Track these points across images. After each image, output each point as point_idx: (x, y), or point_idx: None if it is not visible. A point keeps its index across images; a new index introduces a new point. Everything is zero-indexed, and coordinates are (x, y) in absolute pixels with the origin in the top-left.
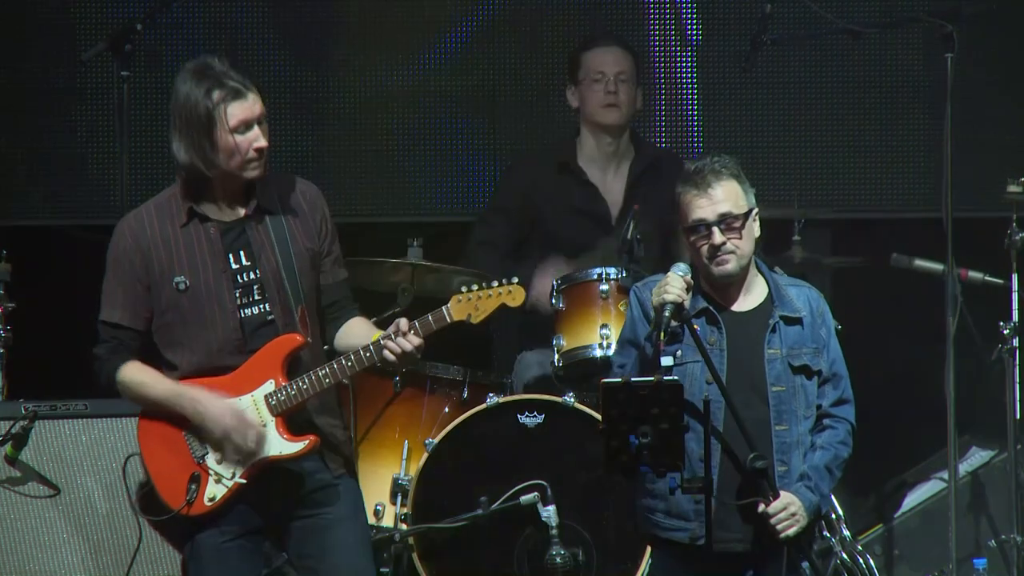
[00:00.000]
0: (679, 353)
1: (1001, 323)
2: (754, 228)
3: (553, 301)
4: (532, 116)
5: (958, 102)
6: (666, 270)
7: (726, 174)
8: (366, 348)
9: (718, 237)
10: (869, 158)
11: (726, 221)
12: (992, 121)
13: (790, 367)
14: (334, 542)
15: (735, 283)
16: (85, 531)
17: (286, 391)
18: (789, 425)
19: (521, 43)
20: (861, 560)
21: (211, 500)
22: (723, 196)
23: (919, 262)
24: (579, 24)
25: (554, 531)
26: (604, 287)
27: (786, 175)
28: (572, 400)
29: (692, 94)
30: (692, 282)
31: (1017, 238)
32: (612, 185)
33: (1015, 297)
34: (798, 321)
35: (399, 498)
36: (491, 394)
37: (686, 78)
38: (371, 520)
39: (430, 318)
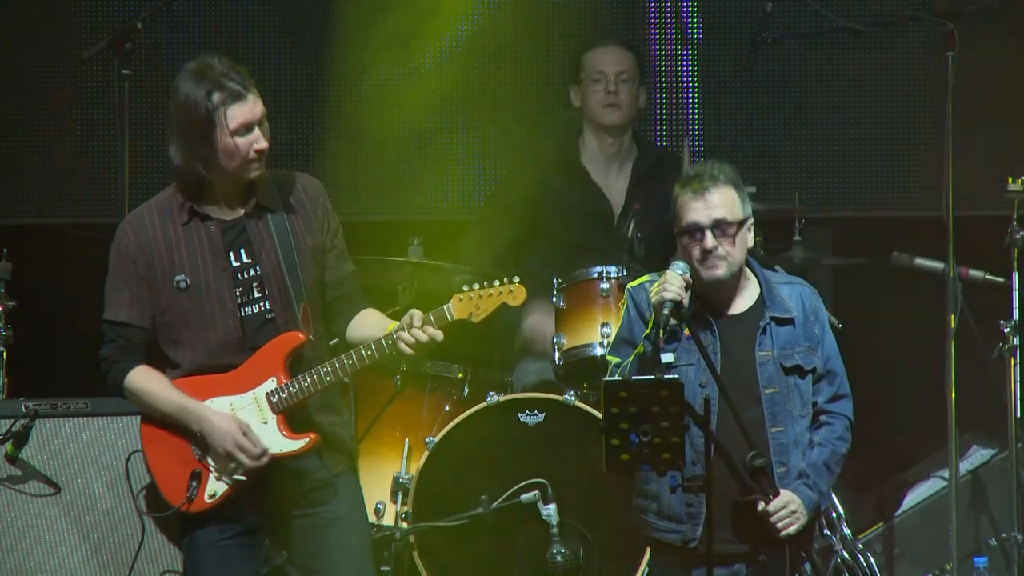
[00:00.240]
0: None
1: (1002, 321)
2: (748, 237)
3: (554, 300)
4: (533, 115)
5: (959, 100)
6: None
7: (724, 180)
8: (378, 341)
9: (710, 241)
10: (870, 157)
11: (720, 226)
12: (993, 119)
13: (782, 368)
14: (334, 540)
15: (727, 286)
16: (86, 530)
17: (287, 389)
18: (784, 426)
19: (522, 42)
20: (862, 558)
21: (211, 497)
22: (719, 201)
23: (919, 260)
24: (580, 23)
25: (555, 529)
26: (605, 286)
27: (787, 174)
28: (573, 399)
29: (692, 93)
30: (691, 280)
31: (1017, 236)
32: (614, 185)
33: (1015, 295)
34: (789, 321)
35: (400, 496)
36: (492, 392)
37: (686, 77)
38: (372, 518)
39: (431, 317)
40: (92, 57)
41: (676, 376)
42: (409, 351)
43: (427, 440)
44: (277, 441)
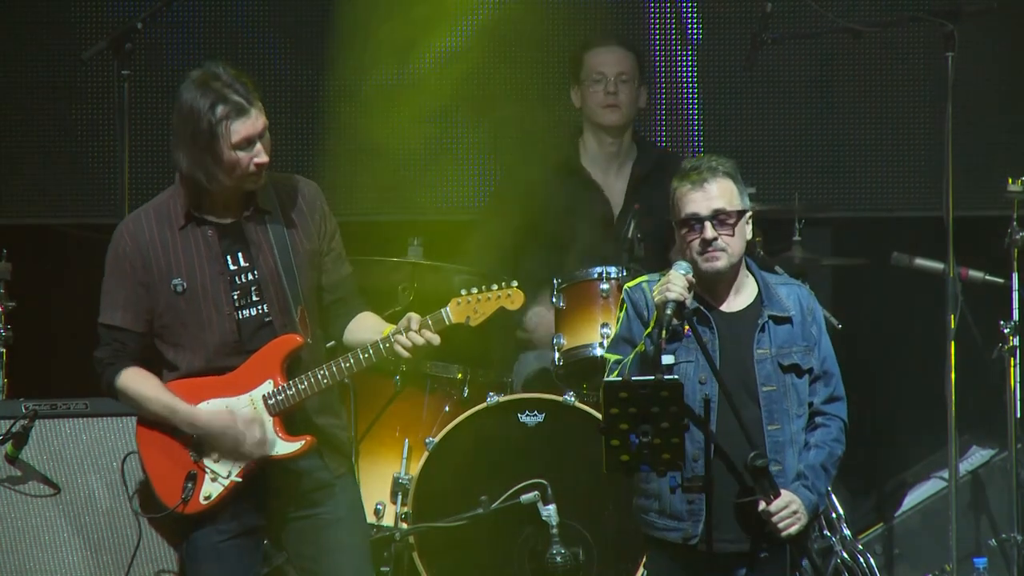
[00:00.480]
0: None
1: (1001, 322)
2: (746, 230)
3: (554, 300)
4: (533, 115)
5: (959, 101)
6: (665, 268)
7: (722, 172)
8: (375, 344)
9: (710, 232)
10: (869, 157)
11: (719, 217)
12: (992, 120)
13: (780, 366)
14: (332, 542)
15: (725, 283)
16: (85, 530)
17: (284, 391)
18: (782, 424)
19: (522, 43)
20: (861, 559)
21: (207, 499)
22: (718, 192)
23: (919, 261)
24: (580, 23)
25: (554, 530)
26: (605, 286)
27: (786, 174)
28: (572, 399)
29: (692, 93)
30: (694, 280)
31: (1017, 237)
32: (614, 185)
33: (1015, 296)
34: (787, 320)
35: (399, 497)
36: (491, 393)
37: (686, 77)
38: (371, 519)
39: (429, 321)
40: (92, 57)
41: (676, 377)
42: (406, 354)
43: (427, 441)
44: (274, 443)
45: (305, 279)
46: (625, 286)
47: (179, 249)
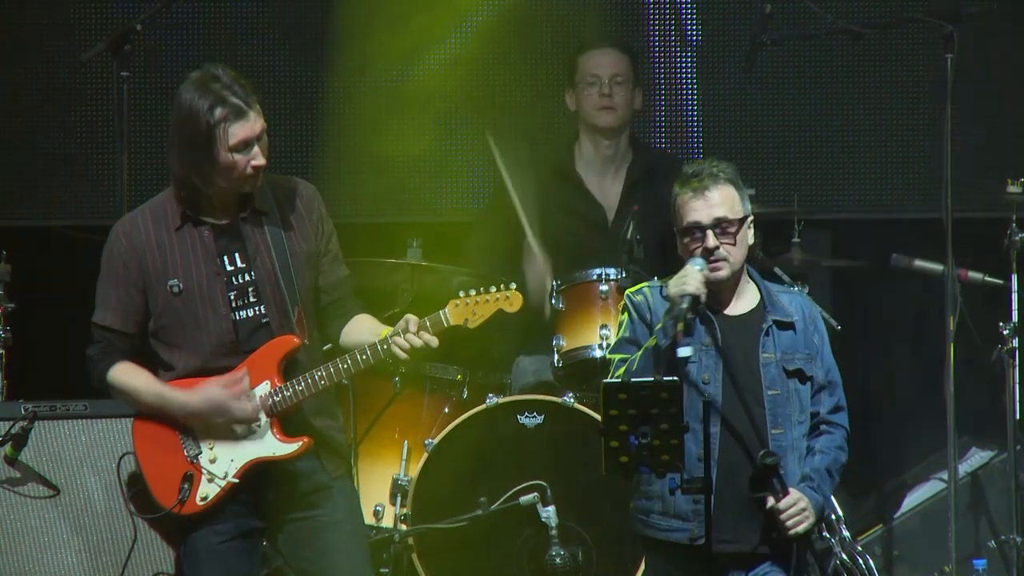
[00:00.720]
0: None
1: (1001, 324)
2: (748, 235)
3: (553, 302)
4: (532, 117)
5: (958, 102)
6: (665, 270)
7: (723, 178)
8: (372, 345)
9: (712, 241)
10: (869, 158)
11: (721, 225)
12: (992, 121)
13: (784, 371)
14: (330, 544)
15: (727, 287)
16: (84, 532)
17: (282, 392)
18: (784, 429)
19: (521, 44)
20: (861, 561)
21: (203, 500)
22: (719, 200)
23: (919, 262)
24: (579, 25)
25: (553, 531)
26: (604, 288)
27: (786, 175)
28: (572, 401)
29: (692, 94)
30: (709, 276)
31: (1017, 238)
32: (609, 188)
33: (1015, 298)
34: (791, 326)
35: (399, 498)
36: (491, 395)
37: (686, 78)
38: (371, 520)
39: (427, 323)
40: (91, 59)
41: (675, 378)
42: (404, 356)
43: (426, 442)
44: (271, 444)
45: (302, 280)
46: (627, 291)
47: (175, 250)
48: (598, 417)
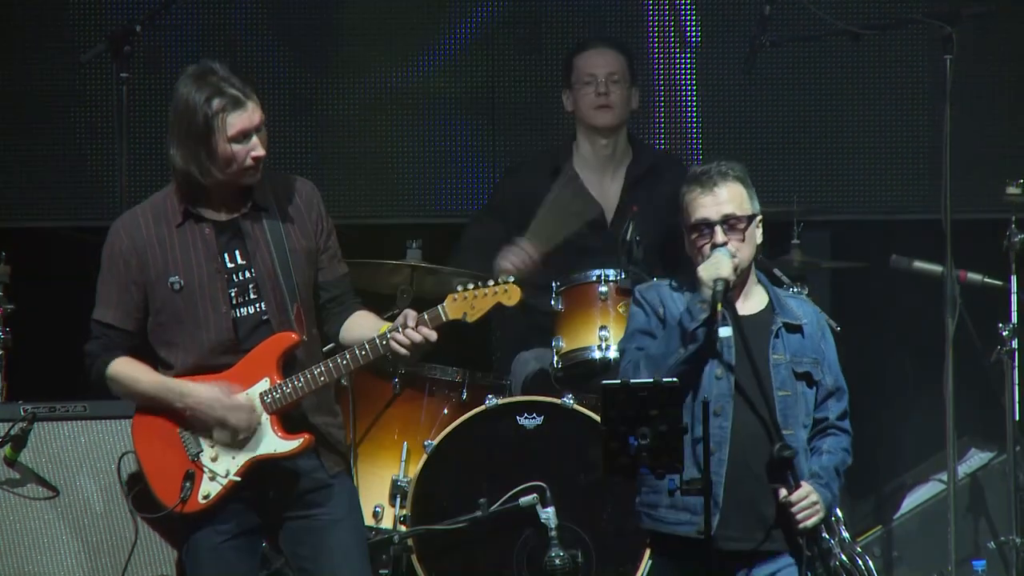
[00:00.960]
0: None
1: (1000, 325)
2: (756, 234)
3: (552, 302)
4: (531, 118)
5: (957, 104)
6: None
7: (732, 176)
8: (372, 341)
9: (720, 237)
10: (868, 160)
11: (729, 222)
12: (991, 123)
13: (794, 373)
14: (330, 543)
15: (735, 286)
16: (84, 533)
17: (281, 389)
18: (794, 430)
19: (520, 46)
20: (860, 562)
21: (205, 498)
22: (728, 197)
23: (918, 264)
24: (578, 26)
25: (553, 533)
26: (603, 289)
27: (785, 177)
28: (571, 402)
29: (691, 96)
30: (738, 266)
31: (1016, 240)
32: (608, 188)
33: (1014, 299)
34: (799, 329)
35: (398, 499)
36: (490, 396)
37: (685, 80)
38: (370, 521)
39: (426, 317)
40: (90, 60)
41: (675, 380)
42: (404, 352)
43: (425, 443)
44: (271, 441)
45: (302, 277)
46: (638, 286)
47: (176, 246)
48: (598, 418)
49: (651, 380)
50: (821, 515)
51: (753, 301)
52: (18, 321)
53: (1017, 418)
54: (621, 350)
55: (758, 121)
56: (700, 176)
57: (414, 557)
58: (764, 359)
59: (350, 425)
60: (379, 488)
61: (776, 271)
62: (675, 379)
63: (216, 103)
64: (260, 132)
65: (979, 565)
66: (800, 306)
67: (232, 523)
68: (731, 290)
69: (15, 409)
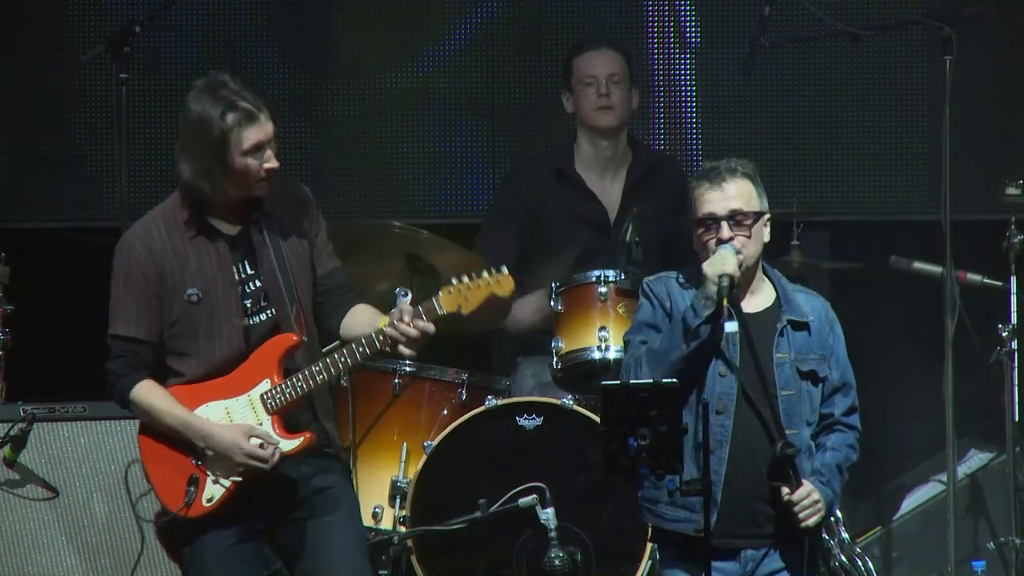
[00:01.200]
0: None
1: (1000, 325)
2: (764, 232)
3: (553, 303)
4: (531, 119)
5: (957, 104)
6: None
7: (741, 172)
8: (368, 336)
9: (726, 232)
10: (868, 160)
11: (735, 217)
12: (991, 123)
13: (798, 372)
14: (331, 545)
15: (742, 282)
16: (83, 534)
17: (281, 389)
18: (798, 429)
19: (520, 46)
20: (860, 562)
21: (209, 501)
22: (736, 193)
23: (918, 264)
24: (578, 27)
25: (553, 533)
26: (603, 289)
27: (785, 177)
28: (571, 402)
29: (691, 97)
30: (743, 263)
31: (1015, 240)
32: (610, 189)
33: (1014, 299)
34: (805, 326)
35: (398, 500)
36: (490, 396)
37: (684, 81)
38: (370, 522)
39: (420, 310)
40: (90, 61)
41: (674, 380)
42: (405, 349)
43: (425, 444)
44: (275, 443)
45: (299, 278)
46: (645, 279)
47: (191, 259)
48: (597, 419)
49: (651, 381)
50: (822, 514)
51: (760, 298)
52: (18, 322)
53: (1017, 419)
54: (625, 341)
55: (758, 122)
56: (709, 171)
57: (414, 558)
58: (768, 357)
59: (350, 426)
60: (379, 489)
61: (776, 272)
62: (674, 380)
63: (231, 117)
64: (272, 144)
65: (979, 566)
66: (808, 301)
67: (237, 527)
68: (736, 288)
69: (15, 410)
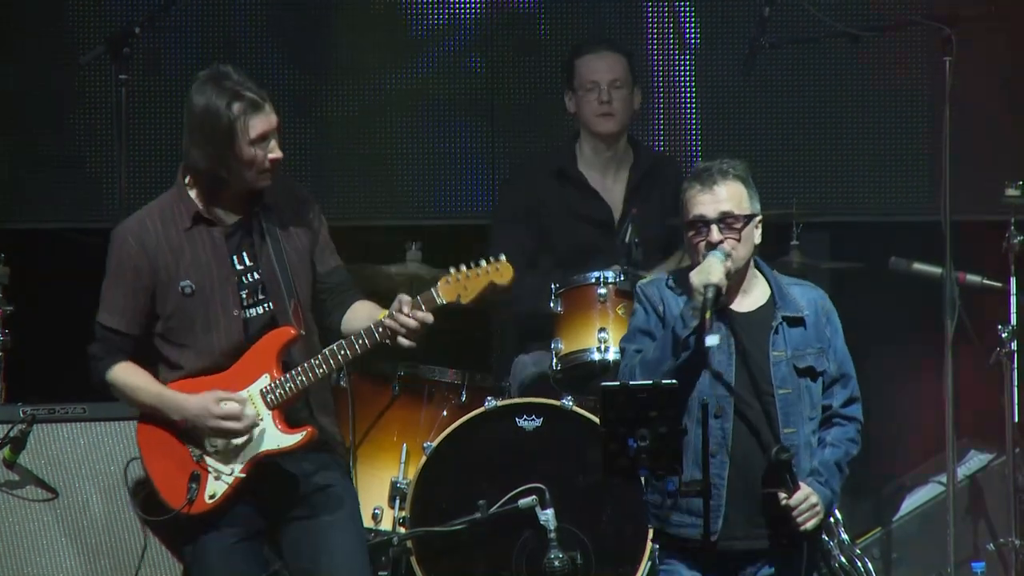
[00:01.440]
0: (682, 355)
1: (999, 326)
2: (755, 234)
3: (551, 304)
4: (531, 119)
5: (956, 105)
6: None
7: (733, 175)
8: (368, 329)
9: (716, 235)
10: (867, 161)
11: (726, 220)
12: (990, 124)
13: (795, 369)
14: (330, 544)
15: (733, 283)
16: (83, 535)
17: (281, 384)
18: (797, 428)
19: (520, 46)
20: (859, 563)
21: (212, 497)
22: (727, 195)
23: (917, 265)
24: (578, 27)
25: (552, 534)
26: (602, 291)
27: (784, 178)
28: (570, 403)
29: (690, 97)
30: (731, 268)
31: (1015, 241)
32: (612, 189)
33: (1013, 300)
34: (800, 321)
35: (397, 501)
36: (489, 397)
37: (684, 81)
38: (369, 523)
39: (420, 300)
40: (90, 62)
41: (674, 381)
42: (405, 341)
43: (425, 445)
44: (274, 437)
45: (299, 273)
46: (639, 282)
47: (186, 251)
48: (597, 420)
49: (650, 382)
50: (820, 516)
51: (754, 296)
52: (17, 323)
53: (1016, 420)
54: (621, 348)
55: (758, 122)
56: (701, 173)
57: (413, 559)
58: (764, 357)
59: (349, 427)
60: (378, 490)
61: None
62: (674, 381)
63: (237, 107)
64: (276, 135)
65: (978, 567)
66: (804, 294)
67: (239, 526)
68: (723, 295)
69: (14, 411)
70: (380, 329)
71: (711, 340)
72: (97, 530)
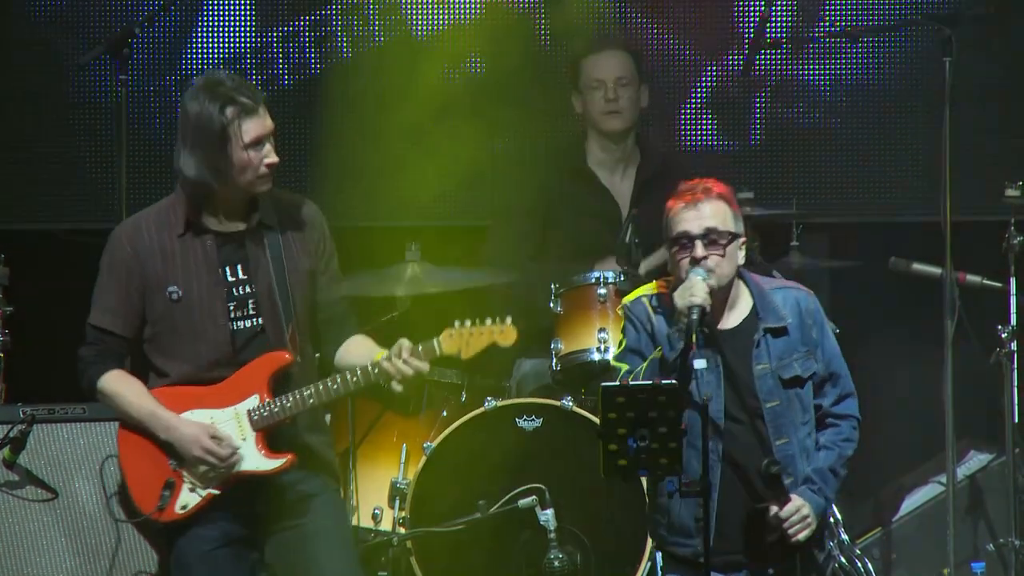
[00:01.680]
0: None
1: (999, 327)
2: (738, 255)
3: (551, 304)
4: (532, 119)
5: (956, 105)
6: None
7: (716, 194)
8: (364, 368)
9: (700, 251)
10: (867, 161)
11: (710, 236)
12: (990, 125)
13: (781, 381)
14: (317, 551)
15: (717, 300)
16: (82, 535)
17: (269, 408)
18: (789, 437)
19: (521, 45)
20: (859, 564)
21: (183, 508)
22: (711, 212)
23: (917, 265)
24: (584, 25)
25: (552, 535)
26: (602, 291)
27: (784, 179)
28: (570, 404)
29: (691, 97)
30: (714, 286)
31: (1015, 242)
32: (621, 187)
33: (1013, 301)
34: (783, 331)
35: (397, 502)
36: (489, 398)
37: (684, 81)
38: (369, 523)
39: (420, 349)
40: (89, 62)
41: (673, 382)
42: (398, 386)
43: (425, 445)
44: (253, 459)
45: (299, 297)
46: (624, 300)
47: (177, 257)
48: (596, 420)
49: (650, 382)
50: (813, 527)
51: (738, 310)
52: (17, 323)
53: (1016, 420)
54: (615, 367)
55: (757, 123)
56: (684, 192)
57: (413, 559)
58: (749, 372)
59: (349, 427)
60: (378, 490)
61: (775, 272)
62: (674, 381)
63: (230, 111)
64: (271, 139)
65: (978, 567)
66: (786, 299)
67: (217, 532)
68: (707, 314)
69: (14, 411)
70: (376, 370)
71: (699, 363)
72: (96, 530)
